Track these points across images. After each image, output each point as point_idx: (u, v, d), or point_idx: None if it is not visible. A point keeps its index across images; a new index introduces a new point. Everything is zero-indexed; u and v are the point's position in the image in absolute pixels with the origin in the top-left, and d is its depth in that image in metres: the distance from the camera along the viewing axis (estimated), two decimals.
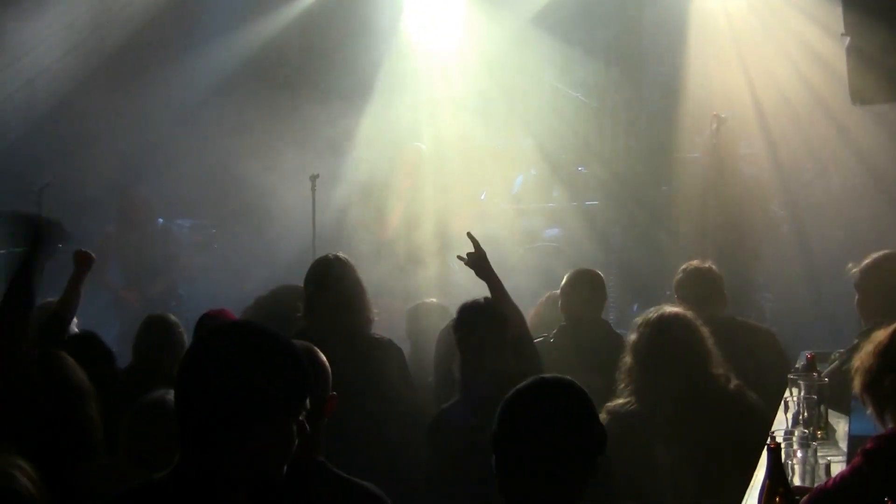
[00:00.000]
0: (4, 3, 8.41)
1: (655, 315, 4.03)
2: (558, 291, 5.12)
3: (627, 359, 4.00)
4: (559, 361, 4.67)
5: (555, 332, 4.93)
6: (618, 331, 5.00)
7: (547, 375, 2.45)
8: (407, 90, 9.11)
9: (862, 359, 2.93)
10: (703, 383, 3.87)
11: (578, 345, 4.76)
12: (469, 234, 4.31)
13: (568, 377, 2.41)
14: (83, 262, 4.69)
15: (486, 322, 3.98)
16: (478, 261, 4.24)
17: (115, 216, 8.07)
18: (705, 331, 4.01)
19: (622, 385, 3.97)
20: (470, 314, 4.04)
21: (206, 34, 9.35)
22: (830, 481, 2.83)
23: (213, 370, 2.02)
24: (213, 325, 3.80)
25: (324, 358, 2.75)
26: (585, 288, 4.95)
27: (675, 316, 4.01)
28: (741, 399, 3.91)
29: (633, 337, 4.03)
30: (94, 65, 8.96)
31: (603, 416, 3.87)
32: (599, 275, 5.06)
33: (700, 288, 4.99)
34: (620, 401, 3.92)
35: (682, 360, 3.88)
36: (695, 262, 5.19)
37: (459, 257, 4.31)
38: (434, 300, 5.57)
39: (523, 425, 2.30)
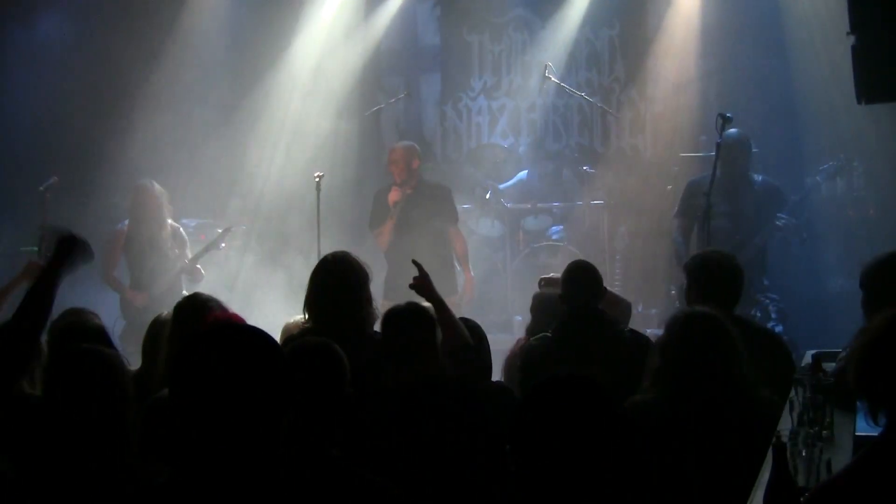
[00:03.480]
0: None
1: (685, 314, 3.88)
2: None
3: (656, 359, 3.87)
4: (560, 353, 4.68)
5: (554, 325, 4.92)
6: (619, 327, 4.97)
7: (571, 373, 2.47)
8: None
9: (855, 352, 2.86)
10: (736, 389, 3.73)
11: (578, 336, 4.74)
12: (414, 261, 4.40)
13: (589, 375, 2.42)
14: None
15: (414, 323, 3.88)
16: (421, 286, 4.30)
17: (129, 210, 7.98)
18: (736, 333, 3.85)
19: (649, 384, 3.85)
20: (396, 317, 3.95)
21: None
22: (836, 476, 2.80)
23: (201, 373, 2.05)
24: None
25: (342, 353, 2.83)
26: (583, 278, 4.93)
27: (706, 316, 3.84)
28: (774, 407, 3.79)
29: (662, 337, 3.89)
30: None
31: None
32: (594, 267, 5.04)
33: (715, 278, 4.74)
34: (647, 400, 3.78)
35: (713, 363, 3.72)
36: (713, 249, 5.04)
37: (411, 286, 4.33)
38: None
39: (541, 421, 2.31)
